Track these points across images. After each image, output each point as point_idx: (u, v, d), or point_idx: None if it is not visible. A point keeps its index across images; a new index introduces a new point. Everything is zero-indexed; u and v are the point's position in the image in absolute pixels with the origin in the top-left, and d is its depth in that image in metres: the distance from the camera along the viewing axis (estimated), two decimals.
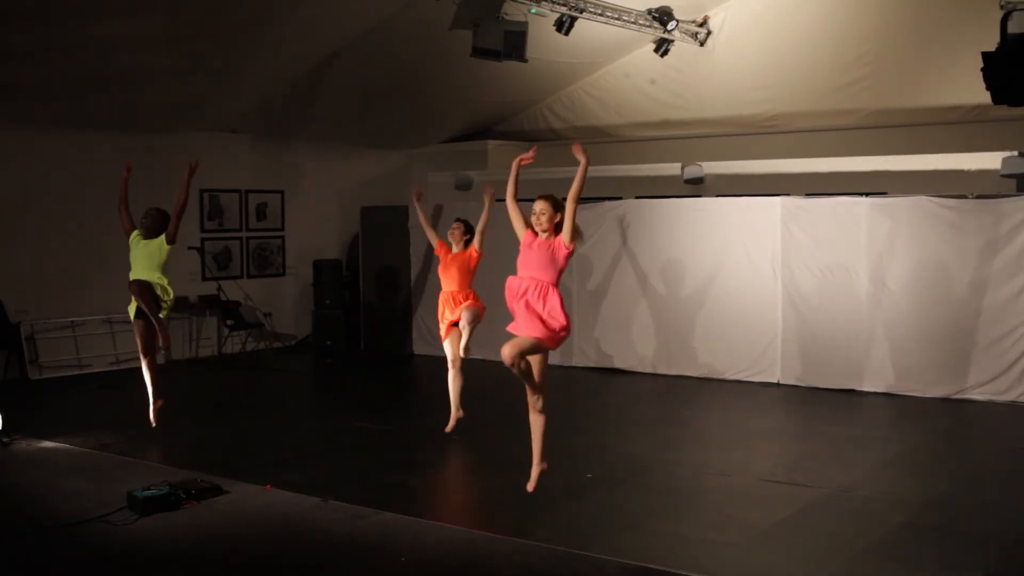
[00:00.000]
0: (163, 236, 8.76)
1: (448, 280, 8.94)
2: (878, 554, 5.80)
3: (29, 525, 6.35)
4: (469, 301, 8.81)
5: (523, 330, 6.27)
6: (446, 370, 8.88)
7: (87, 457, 8.16)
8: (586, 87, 15.23)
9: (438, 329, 9.13)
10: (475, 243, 8.94)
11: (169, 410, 8.84)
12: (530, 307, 6.28)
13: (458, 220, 9.17)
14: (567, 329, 6.33)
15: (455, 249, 8.99)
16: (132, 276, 8.61)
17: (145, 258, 8.64)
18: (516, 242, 6.41)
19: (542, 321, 6.25)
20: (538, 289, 6.30)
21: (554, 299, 6.28)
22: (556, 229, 6.41)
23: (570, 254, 6.37)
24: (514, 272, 6.50)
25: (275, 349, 14.38)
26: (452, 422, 8.70)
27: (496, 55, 11.23)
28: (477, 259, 8.94)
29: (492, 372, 12.04)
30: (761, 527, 6.27)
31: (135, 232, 8.78)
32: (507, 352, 6.16)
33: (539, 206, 6.42)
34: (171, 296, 8.71)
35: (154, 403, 8.77)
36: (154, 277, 8.60)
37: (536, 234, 6.43)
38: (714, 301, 11.54)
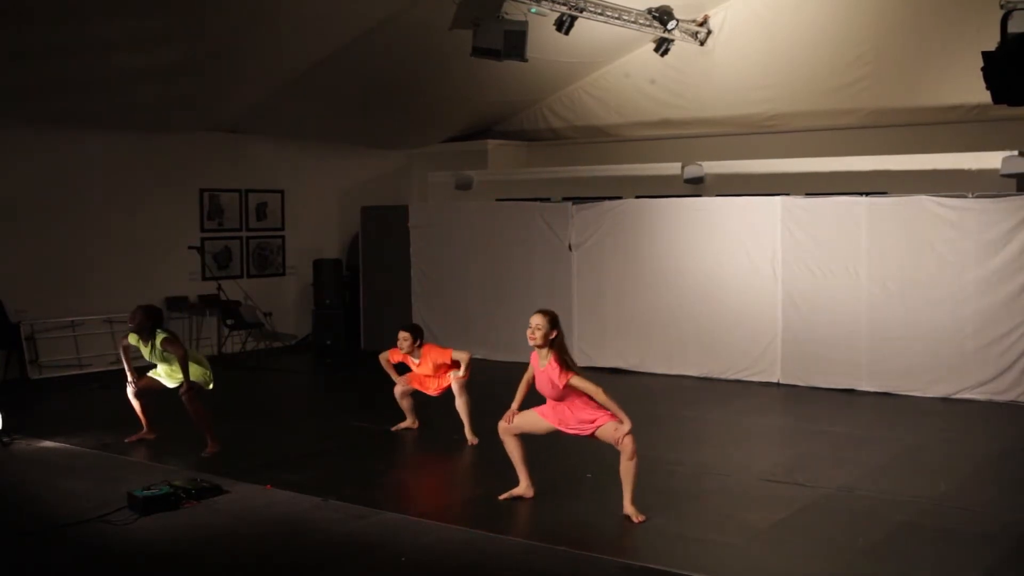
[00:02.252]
0: (159, 336, 8.21)
1: (423, 377, 8.82)
2: (878, 554, 5.80)
3: (29, 525, 6.35)
4: (457, 375, 8.60)
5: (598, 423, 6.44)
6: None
7: (87, 457, 8.16)
8: (586, 87, 15.23)
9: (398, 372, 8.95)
10: (441, 353, 8.66)
11: (169, 410, 8.82)
12: (574, 416, 6.48)
13: (404, 329, 8.75)
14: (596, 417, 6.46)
15: (414, 359, 8.70)
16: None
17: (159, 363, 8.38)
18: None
19: (588, 419, 6.45)
20: (569, 404, 6.46)
21: (578, 407, 6.44)
22: (550, 343, 6.39)
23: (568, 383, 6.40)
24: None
25: (275, 349, 14.38)
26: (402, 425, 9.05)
27: (496, 55, 11.22)
28: (444, 360, 8.63)
29: (494, 372, 12.03)
30: (761, 527, 6.27)
31: (133, 337, 8.35)
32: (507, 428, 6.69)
33: (535, 320, 6.43)
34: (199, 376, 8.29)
35: (146, 432, 8.65)
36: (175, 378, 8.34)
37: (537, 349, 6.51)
38: (714, 301, 11.54)
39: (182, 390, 8.18)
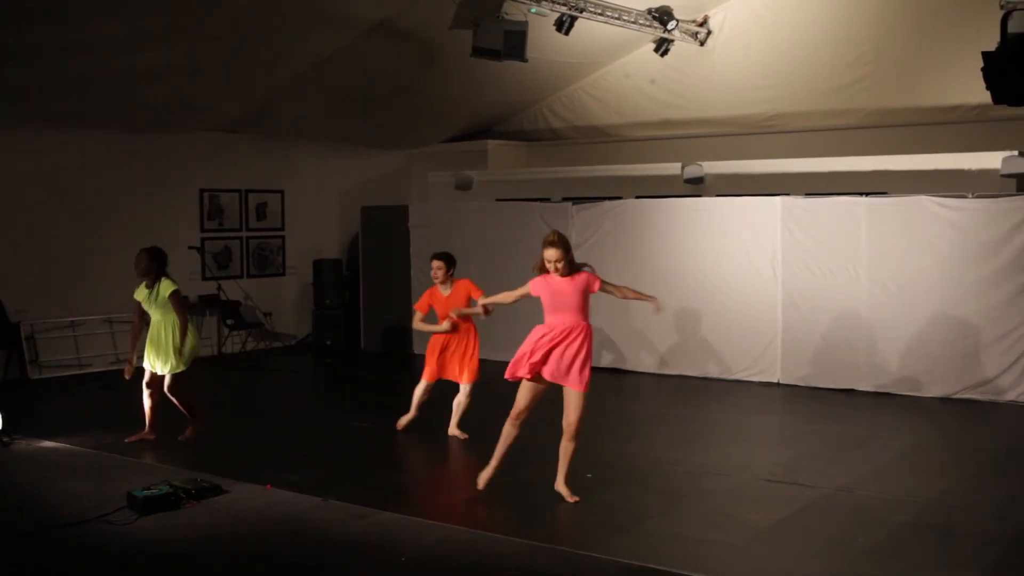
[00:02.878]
0: (165, 285, 8.23)
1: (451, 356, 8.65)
2: (878, 554, 5.80)
3: (29, 525, 6.35)
4: (470, 366, 8.59)
5: (563, 380, 6.52)
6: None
7: (87, 457, 8.15)
8: (586, 87, 15.23)
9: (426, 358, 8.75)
10: (474, 290, 8.48)
11: (170, 410, 8.82)
12: (565, 355, 6.49)
13: (436, 257, 8.56)
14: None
15: (445, 291, 8.54)
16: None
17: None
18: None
19: (579, 371, 6.51)
20: (577, 336, 6.49)
21: (587, 350, 6.52)
22: (570, 266, 6.53)
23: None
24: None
25: (275, 349, 14.38)
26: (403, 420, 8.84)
27: (496, 55, 11.22)
28: (473, 295, 8.47)
29: (494, 371, 12.03)
30: (761, 527, 6.27)
31: (137, 290, 8.35)
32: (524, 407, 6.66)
33: (552, 255, 6.48)
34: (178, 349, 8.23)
35: (147, 432, 8.59)
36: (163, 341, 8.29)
37: (546, 273, 6.57)
38: (714, 301, 11.54)
39: (168, 370, 8.20)
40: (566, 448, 6.64)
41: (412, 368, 13.14)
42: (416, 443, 8.81)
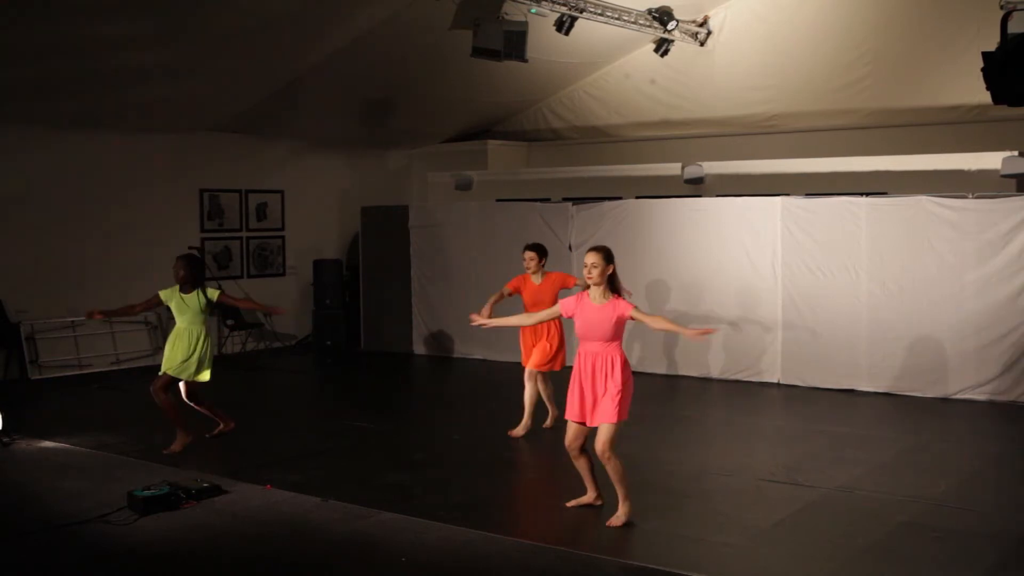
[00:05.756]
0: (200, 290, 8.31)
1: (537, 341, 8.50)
2: (878, 554, 5.80)
3: (29, 525, 6.35)
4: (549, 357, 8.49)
5: (598, 418, 6.24)
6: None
7: (87, 457, 8.15)
8: (586, 87, 15.23)
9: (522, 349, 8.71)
10: (569, 279, 8.48)
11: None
12: (592, 393, 6.27)
13: (528, 248, 8.54)
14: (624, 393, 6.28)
15: (537, 280, 8.53)
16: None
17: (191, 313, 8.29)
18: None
19: (607, 403, 6.23)
20: (601, 368, 6.26)
21: (618, 374, 6.24)
22: (608, 283, 6.29)
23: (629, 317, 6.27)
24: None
25: (275, 349, 14.38)
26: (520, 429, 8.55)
27: (496, 55, 11.22)
28: (567, 284, 8.48)
29: (494, 372, 12.03)
30: (761, 527, 6.27)
31: (169, 291, 8.30)
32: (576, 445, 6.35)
33: (591, 259, 6.28)
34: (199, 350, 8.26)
35: (184, 436, 8.35)
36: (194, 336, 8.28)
37: (582, 291, 6.36)
38: (714, 301, 11.54)
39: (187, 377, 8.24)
40: (608, 469, 6.28)
41: (412, 368, 13.17)
42: (416, 443, 8.80)
